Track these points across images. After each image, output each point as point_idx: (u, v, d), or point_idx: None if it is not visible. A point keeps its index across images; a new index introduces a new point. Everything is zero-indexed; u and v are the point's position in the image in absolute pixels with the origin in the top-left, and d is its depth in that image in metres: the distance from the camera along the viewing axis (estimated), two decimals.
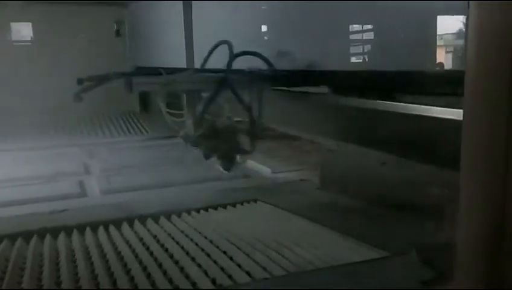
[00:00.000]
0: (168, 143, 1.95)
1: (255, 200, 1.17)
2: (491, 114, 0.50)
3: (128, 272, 0.76)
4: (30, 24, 2.65)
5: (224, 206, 1.13)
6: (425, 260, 0.71)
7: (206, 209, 1.10)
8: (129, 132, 2.28)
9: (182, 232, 0.95)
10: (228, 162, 1.14)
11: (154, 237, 0.92)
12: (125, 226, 0.99)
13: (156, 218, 1.04)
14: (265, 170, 1.47)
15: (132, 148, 1.92)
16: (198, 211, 1.09)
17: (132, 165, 1.58)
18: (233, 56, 1.05)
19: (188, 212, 1.08)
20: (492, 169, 0.50)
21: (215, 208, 1.11)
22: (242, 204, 1.15)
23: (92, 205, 1.17)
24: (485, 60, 0.49)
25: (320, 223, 0.95)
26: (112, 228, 0.98)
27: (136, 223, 1.01)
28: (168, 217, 1.05)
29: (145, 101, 2.74)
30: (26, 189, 1.31)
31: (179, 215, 1.06)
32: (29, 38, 2.67)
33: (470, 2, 0.49)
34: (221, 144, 1.10)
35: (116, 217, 1.03)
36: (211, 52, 1.13)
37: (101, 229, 0.97)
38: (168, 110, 1.11)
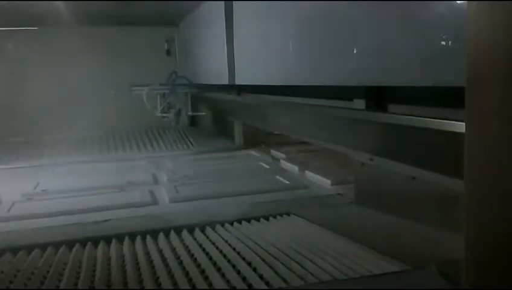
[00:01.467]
0: (213, 157, 2.05)
1: (288, 214, 1.19)
2: (494, 116, 0.50)
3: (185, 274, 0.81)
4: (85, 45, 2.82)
5: (258, 219, 1.16)
6: (447, 273, 0.71)
7: (239, 222, 1.14)
8: (177, 146, 2.37)
9: (214, 243, 0.98)
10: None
11: (186, 247, 0.97)
12: (161, 237, 1.04)
13: (191, 230, 1.09)
14: (324, 182, 1.48)
15: (182, 161, 2.00)
16: (232, 223, 1.13)
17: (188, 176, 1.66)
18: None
19: (222, 224, 1.12)
20: (498, 173, 0.49)
21: (249, 220, 1.15)
22: (275, 217, 1.17)
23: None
24: (486, 62, 0.49)
25: (348, 236, 0.96)
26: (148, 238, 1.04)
27: (172, 234, 1.06)
28: (203, 229, 1.09)
29: (192, 117, 2.84)
30: (106, 197, 1.42)
31: (213, 228, 1.10)
32: (85, 60, 2.83)
33: (468, 2, 0.49)
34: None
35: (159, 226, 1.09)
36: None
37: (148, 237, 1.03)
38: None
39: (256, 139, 2.27)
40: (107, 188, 1.53)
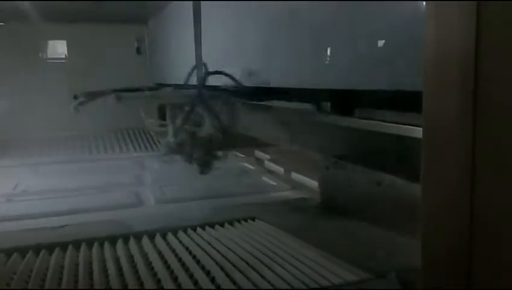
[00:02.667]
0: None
1: (253, 218, 1.16)
2: (452, 122, 0.48)
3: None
4: (52, 43, 2.73)
5: (222, 224, 1.13)
6: (407, 281, 0.70)
7: (203, 227, 1.11)
8: (146, 147, 2.31)
9: (174, 251, 0.95)
10: (204, 166, 1.29)
11: (145, 254, 0.94)
12: (119, 243, 1.01)
13: (151, 236, 1.05)
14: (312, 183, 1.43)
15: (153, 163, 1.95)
16: (195, 228, 1.10)
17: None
18: (206, 74, 1.23)
19: (185, 230, 1.09)
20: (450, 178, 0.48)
21: (213, 225, 1.12)
22: (240, 222, 1.15)
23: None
24: (443, 74, 0.48)
25: (311, 243, 0.94)
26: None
27: (132, 240, 1.02)
28: (164, 235, 1.06)
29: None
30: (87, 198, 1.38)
31: (175, 234, 1.07)
32: (52, 57, 2.75)
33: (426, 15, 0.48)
34: (197, 150, 1.24)
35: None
36: (190, 73, 1.19)
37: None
38: (150, 120, 1.20)
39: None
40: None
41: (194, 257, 0.91)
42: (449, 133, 0.49)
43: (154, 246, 0.99)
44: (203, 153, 1.26)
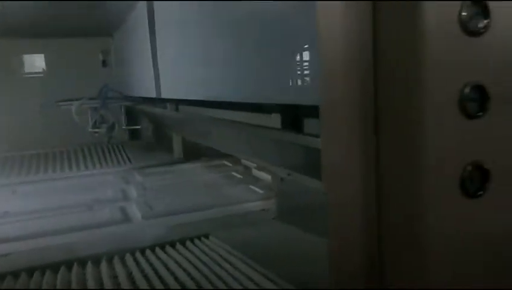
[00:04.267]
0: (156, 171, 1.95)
1: (207, 236, 1.12)
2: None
3: None
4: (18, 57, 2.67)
5: (173, 244, 1.08)
6: None
7: (152, 249, 1.06)
8: (112, 162, 2.25)
9: (115, 277, 0.90)
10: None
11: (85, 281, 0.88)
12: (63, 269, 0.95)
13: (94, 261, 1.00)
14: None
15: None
16: (143, 251, 1.05)
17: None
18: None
19: (132, 252, 1.04)
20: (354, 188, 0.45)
21: (163, 246, 1.07)
22: (192, 240, 1.10)
23: None
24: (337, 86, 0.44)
25: (256, 259, 0.90)
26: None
27: (75, 267, 0.97)
28: (110, 259, 1.01)
29: (132, 131, 2.73)
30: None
31: (122, 257, 1.02)
32: (18, 71, 2.68)
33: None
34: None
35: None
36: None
37: None
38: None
39: (198, 152, 2.18)
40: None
41: (133, 282, 0.86)
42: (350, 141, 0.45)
43: (100, 271, 0.94)
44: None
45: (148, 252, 1.04)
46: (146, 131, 2.64)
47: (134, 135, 2.74)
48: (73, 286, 0.87)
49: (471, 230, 0.44)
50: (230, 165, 1.95)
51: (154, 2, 1.60)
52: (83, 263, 0.99)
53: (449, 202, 0.43)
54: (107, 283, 0.88)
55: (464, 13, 0.41)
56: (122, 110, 2.56)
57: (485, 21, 0.41)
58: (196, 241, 1.10)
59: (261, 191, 1.40)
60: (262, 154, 1.25)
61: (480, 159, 0.43)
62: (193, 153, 2.18)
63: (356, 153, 0.45)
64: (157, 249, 1.06)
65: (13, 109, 2.60)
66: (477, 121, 0.43)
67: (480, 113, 0.42)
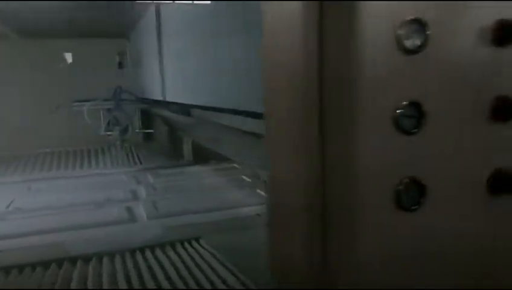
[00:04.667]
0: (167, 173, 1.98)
1: (198, 239, 1.13)
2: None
3: None
4: (37, 59, 2.73)
5: (163, 246, 1.10)
6: None
7: (142, 250, 1.08)
8: (124, 162, 2.29)
9: (100, 276, 0.93)
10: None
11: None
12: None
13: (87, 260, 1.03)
14: None
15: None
16: (133, 252, 1.07)
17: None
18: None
19: (122, 254, 1.06)
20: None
21: (153, 249, 1.09)
22: (183, 243, 1.11)
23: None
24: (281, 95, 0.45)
25: (238, 265, 0.91)
26: None
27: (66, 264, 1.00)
28: (100, 259, 1.03)
29: (147, 134, 2.77)
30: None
31: (112, 258, 1.04)
32: (36, 73, 2.75)
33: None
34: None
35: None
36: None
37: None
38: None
39: (208, 154, 2.20)
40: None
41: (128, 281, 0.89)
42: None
43: (90, 270, 0.96)
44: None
45: (137, 253, 1.06)
46: (159, 134, 2.66)
47: (147, 137, 2.78)
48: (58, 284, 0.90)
49: (403, 241, 0.44)
50: (240, 168, 1.97)
51: (162, 6, 1.63)
52: (73, 261, 1.02)
53: (383, 213, 0.43)
54: (87, 282, 0.90)
55: (400, 32, 0.41)
56: (137, 112, 2.59)
57: (422, 40, 0.41)
58: (186, 244, 1.11)
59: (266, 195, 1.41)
60: (254, 159, 1.26)
61: (416, 174, 0.43)
62: (204, 155, 2.20)
63: (301, 159, 0.46)
64: (147, 251, 1.07)
65: (29, 109, 2.67)
66: (413, 137, 0.43)
67: (416, 130, 0.42)
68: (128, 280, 0.90)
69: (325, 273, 0.46)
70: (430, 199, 0.43)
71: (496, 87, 0.45)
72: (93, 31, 2.58)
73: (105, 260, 1.03)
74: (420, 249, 0.44)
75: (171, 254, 1.05)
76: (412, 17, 0.41)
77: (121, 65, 2.80)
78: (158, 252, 1.07)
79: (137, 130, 2.55)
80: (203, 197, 1.52)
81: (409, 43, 0.41)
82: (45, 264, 1.00)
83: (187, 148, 2.28)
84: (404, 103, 0.42)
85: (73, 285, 0.89)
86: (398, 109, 0.42)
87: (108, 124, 2.38)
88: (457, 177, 0.44)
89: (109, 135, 2.36)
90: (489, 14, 0.44)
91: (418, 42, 0.41)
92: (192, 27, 1.29)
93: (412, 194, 0.43)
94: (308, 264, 0.46)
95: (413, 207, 0.43)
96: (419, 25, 0.41)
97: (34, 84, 2.68)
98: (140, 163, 2.23)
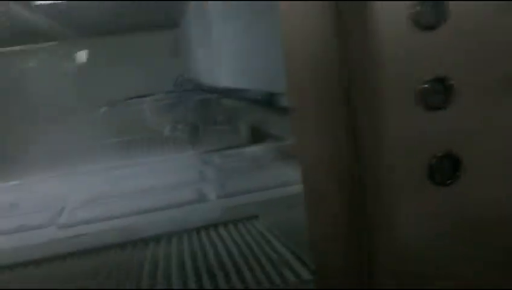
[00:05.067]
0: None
1: (256, 217, 1.19)
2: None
3: None
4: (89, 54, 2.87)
5: (226, 224, 1.16)
6: None
7: (206, 228, 1.15)
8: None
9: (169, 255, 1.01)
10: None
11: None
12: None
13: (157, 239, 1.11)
14: None
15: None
16: (198, 230, 1.14)
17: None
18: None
19: (188, 232, 1.14)
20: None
21: (216, 226, 1.16)
22: (242, 222, 1.17)
23: None
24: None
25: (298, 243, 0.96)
26: None
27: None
28: (169, 238, 1.11)
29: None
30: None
31: (180, 237, 1.12)
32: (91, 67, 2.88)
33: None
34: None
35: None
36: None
37: None
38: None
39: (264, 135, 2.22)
40: None
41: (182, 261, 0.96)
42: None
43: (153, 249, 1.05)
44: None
45: (203, 232, 1.14)
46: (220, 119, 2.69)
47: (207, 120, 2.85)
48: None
49: (441, 217, 0.46)
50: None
51: None
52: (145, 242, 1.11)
53: (418, 190, 0.45)
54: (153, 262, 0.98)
55: (416, 9, 0.42)
56: (205, 105, 2.22)
57: (440, 15, 0.42)
58: (245, 221, 1.17)
59: None
60: None
61: (449, 148, 0.45)
62: (261, 135, 2.23)
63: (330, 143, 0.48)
64: (211, 229, 1.15)
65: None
66: (441, 112, 0.44)
67: (444, 104, 0.44)
68: (193, 256, 0.97)
69: (362, 254, 0.48)
70: (465, 172, 0.45)
71: None
72: (142, 24, 2.67)
73: (174, 240, 1.11)
74: (460, 224, 0.46)
75: (234, 231, 1.12)
76: None
77: (174, 54, 2.87)
78: (221, 230, 1.14)
79: (215, 127, 2.17)
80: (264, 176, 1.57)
81: (425, 20, 0.42)
82: (121, 246, 1.10)
83: (244, 129, 2.33)
84: (429, 78, 0.43)
85: (145, 265, 0.98)
86: (423, 85, 0.44)
87: (174, 123, 1.98)
88: (491, 148, 0.45)
89: (175, 137, 2.01)
90: None
91: (435, 18, 0.42)
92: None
93: (446, 169, 0.45)
94: (344, 245, 0.49)
95: (448, 181, 0.45)
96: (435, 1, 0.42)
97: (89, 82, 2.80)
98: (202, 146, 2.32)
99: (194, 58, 2.56)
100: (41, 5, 1.94)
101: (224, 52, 1.69)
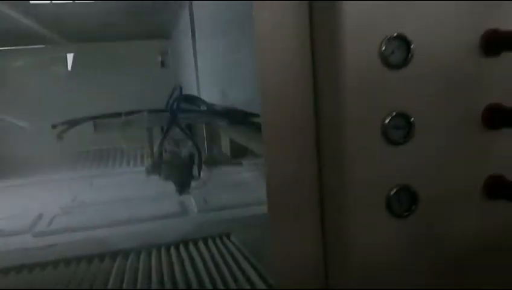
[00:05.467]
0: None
1: (228, 235, 1.18)
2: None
3: None
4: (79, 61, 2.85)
5: (196, 242, 1.15)
6: None
7: (176, 246, 1.14)
8: None
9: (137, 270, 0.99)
10: (182, 186, 1.42)
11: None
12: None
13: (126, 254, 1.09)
14: None
15: None
16: (168, 248, 1.13)
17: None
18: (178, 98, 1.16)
19: (158, 248, 1.12)
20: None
21: (186, 243, 1.14)
22: (214, 239, 1.16)
23: None
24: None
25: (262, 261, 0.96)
26: None
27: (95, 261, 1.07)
28: (138, 254, 1.10)
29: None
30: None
31: (149, 252, 1.10)
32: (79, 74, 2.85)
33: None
34: (175, 172, 1.36)
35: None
36: (170, 96, 1.24)
37: None
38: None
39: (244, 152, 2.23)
40: None
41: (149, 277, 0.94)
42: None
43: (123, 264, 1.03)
44: (180, 174, 1.37)
45: (172, 249, 1.12)
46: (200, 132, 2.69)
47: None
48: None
49: (396, 247, 0.46)
50: None
51: (195, 5, 1.67)
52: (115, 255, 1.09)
53: (375, 220, 0.45)
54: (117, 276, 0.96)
55: (383, 47, 0.43)
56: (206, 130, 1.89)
57: (406, 55, 0.43)
58: (217, 239, 1.16)
59: None
60: None
61: (407, 182, 0.45)
62: (241, 152, 2.23)
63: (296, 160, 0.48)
64: (181, 247, 1.13)
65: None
66: (402, 147, 0.45)
67: (405, 140, 0.45)
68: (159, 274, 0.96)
69: (324, 274, 0.49)
70: (422, 206, 0.46)
71: (487, 96, 0.46)
72: (134, 33, 2.67)
73: (143, 254, 1.09)
74: (414, 255, 0.46)
75: (204, 250, 1.11)
76: (395, 33, 0.43)
77: (163, 64, 2.88)
78: (191, 247, 1.12)
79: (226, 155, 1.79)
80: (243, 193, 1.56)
81: (392, 59, 0.43)
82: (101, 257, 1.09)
83: (225, 145, 2.33)
84: (392, 114, 0.44)
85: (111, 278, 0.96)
86: (386, 120, 0.44)
87: (159, 153, 1.43)
88: (449, 184, 0.46)
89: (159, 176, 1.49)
90: (478, 24, 0.45)
91: (401, 57, 0.43)
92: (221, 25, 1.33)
93: (403, 202, 0.45)
94: (307, 265, 0.49)
95: (404, 214, 0.45)
96: (403, 40, 0.43)
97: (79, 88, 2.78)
98: None
99: (182, 71, 2.56)
100: (31, 7, 1.94)
101: (202, 69, 1.69)
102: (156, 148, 1.44)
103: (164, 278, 0.94)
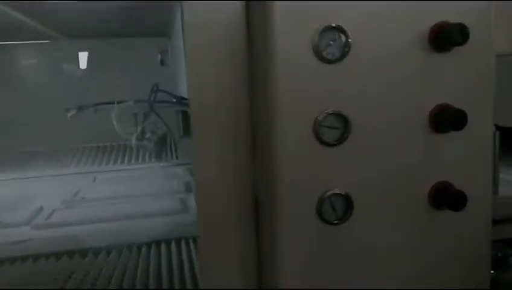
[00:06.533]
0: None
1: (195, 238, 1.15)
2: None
3: None
4: (80, 57, 2.83)
5: (169, 242, 1.12)
6: None
7: (149, 245, 1.11)
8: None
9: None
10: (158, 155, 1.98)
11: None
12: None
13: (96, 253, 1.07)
14: None
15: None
16: (140, 247, 1.10)
17: None
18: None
19: (130, 248, 1.09)
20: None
21: (159, 243, 1.11)
22: (187, 240, 1.13)
23: None
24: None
25: None
26: None
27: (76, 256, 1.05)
28: (108, 254, 1.07)
29: (188, 130, 2.79)
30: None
31: (120, 252, 1.07)
32: (79, 71, 2.84)
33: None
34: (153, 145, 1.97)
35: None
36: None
37: None
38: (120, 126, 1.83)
39: None
40: None
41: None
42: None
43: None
44: (157, 146, 1.99)
45: (144, 249, 1.09)
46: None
47: (187, 131, 2.80)
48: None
49: (327, 255, 0.42)
50: None
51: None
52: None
53: (305, 226, 0.42)
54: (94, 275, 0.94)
55: (318, 40, 0.39)
56: (179, 115, 2.31)
57: (342, 49, 0.40)
58: (183, 240, 1.13)
59: None
60: None
61: (342, 187, 0.42)
62: None
63: (230, 170, 0.45)
64: (153, 246, 1.11)
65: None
66: (336, 149, 0.41)
67: (339, 141, 0.41)
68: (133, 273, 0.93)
69: (259, 277, 0.45)
70: (357, 213, 0.42)
71: (435, 96, 0.42)
72: (134, 31, 2.64)
73: (113, 253, 1.06)
74: (346, 263, 0.43)
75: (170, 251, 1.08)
76: (331, 24, 0.39)
77: (163, 63, 2.84)
78: (163, 247, 1.09)
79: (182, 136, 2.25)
80: None
81: (327, 53, 0.39)
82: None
83: None
84: (326, 113, 0.40)
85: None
86: (319, 120, 0.41)
87: (142, 131, 1.95)
88: (387, 189, 0.42)
89: (142, 147, 1.99)
90: (425, 17, 0.41)
91: (337, 51, 0.39)
92: None
93: (337, 208, 0.42)
94: (235, 273, 0.46)
95: (336, 221, 0.42)
96: (339, 32, 0.39)
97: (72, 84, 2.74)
98: (177, 158, 2.26)
99: (178, 68, 2.53)
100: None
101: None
102: (139, 128, 1.94)
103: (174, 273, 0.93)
